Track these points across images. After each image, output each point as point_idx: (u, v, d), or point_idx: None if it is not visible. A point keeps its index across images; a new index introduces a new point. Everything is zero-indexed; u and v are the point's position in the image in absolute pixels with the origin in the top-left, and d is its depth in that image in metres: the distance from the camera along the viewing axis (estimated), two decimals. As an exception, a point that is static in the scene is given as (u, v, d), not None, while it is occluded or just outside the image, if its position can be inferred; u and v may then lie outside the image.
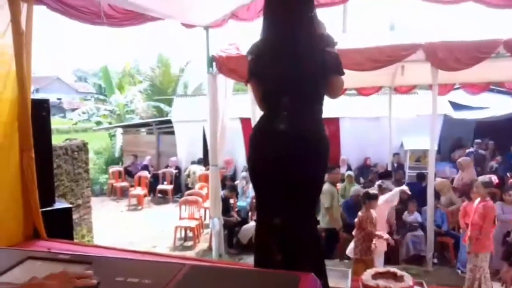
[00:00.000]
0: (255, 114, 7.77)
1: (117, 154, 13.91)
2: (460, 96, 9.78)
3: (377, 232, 4.24)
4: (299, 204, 1.79)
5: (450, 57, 4.94)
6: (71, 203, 5.02)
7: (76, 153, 5.94)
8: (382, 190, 5.19)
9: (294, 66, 1.76)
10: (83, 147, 6.13)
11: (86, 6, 3.58)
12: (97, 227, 6.46)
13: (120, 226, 7.87)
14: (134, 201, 9.97)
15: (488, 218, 4.22)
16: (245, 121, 9.36)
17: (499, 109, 9.76)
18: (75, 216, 5.53)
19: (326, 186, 5.43)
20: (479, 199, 4.41)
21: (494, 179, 4.46)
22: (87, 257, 1.15)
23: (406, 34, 6.08)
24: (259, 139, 1.86)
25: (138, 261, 1.24)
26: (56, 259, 1.13)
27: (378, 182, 6.01)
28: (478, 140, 9.83)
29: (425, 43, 4.92)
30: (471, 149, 9.55)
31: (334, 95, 1.91)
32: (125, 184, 11.09)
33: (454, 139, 10.71)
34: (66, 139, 6.51)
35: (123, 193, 10.86)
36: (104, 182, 11.98)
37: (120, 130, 13.94)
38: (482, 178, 4.55)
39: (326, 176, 5.61)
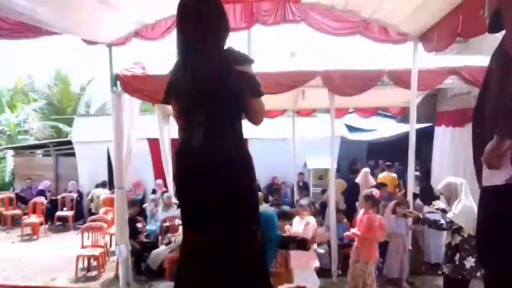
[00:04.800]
0: (163, 134, 7.73)
1: (7, 179, 12.60)
2: (354, 120, 10.81)
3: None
4: (228, 219, 1.78)
5: (345, 83, 5.46)
6: None
7: (-45, 178, 5.26)
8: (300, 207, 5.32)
9: (204, 84, 1.78)
10: (-36, 172, 5.45)
11: (-30, 15, 3.30)
12: (-18, 262, 5.72)
13: (11, 259, 7.05)
14: (28, 230, 9.03)
15: (372, 229, 4.54)
16: (153, 142, 9.18)
17: (385, 131, 10.99)
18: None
19: None
20: (363, 210, 4.78)
21: (376, 192, 4.91)
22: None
23: (305, 61, 6.57)
24: (179, 157, 1.86)
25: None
26: None
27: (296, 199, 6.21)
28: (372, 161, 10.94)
29: (323, 71, 5.40)
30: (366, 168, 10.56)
31: (253, 119, 1.88)
32: (17, 211, 10.02)
33: (350, 158, 11.72)
34: None
35: (14, 222, 9.81)
36: (-9, 210, 10.68)
37: (11, 152, 12.71)
38: (365, 191, 4.98)
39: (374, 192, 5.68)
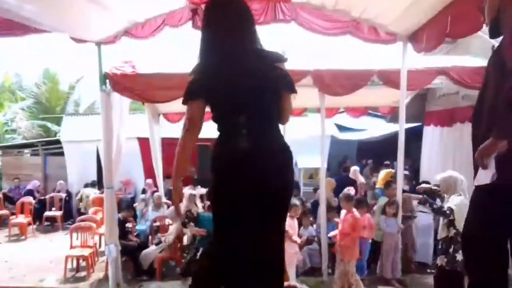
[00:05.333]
0: (153, 133, 7.68)
1: (-6, 179, 12.37)
2: (344, 119, 10.87)
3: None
4: (273, 217, 1.81)
5: (335, 83, 5.47)
6: None
7: None
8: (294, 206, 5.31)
9: (246, 83, 1.76)
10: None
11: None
12: (-32, 263, 5.63)
13: (-3, 260, 6.95)
14: (15, 230, 8.90)
15: (356, 228, 4.62)
16: (142, 141, 9.13)
17: (375, 130, 11.07)
18: None
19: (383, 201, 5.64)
20: (345, 211, 4.84)
21: (352, 191, 4.96)
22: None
23: (296, 60, 6.55)
24: (222, 163, 1.81)
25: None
26: None
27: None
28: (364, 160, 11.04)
29: (313, 70, 5.40)
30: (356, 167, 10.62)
31: (283, 116, 1.91)
32: (4, 212, 9.86)
33: (340, 158, 11.78)
34: None
35: (1, 223, 9.66)
36: (-23, 211, 10.50)
37: (-2, 152, 12.48)
38: (344, 192, 5.04)
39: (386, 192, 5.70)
